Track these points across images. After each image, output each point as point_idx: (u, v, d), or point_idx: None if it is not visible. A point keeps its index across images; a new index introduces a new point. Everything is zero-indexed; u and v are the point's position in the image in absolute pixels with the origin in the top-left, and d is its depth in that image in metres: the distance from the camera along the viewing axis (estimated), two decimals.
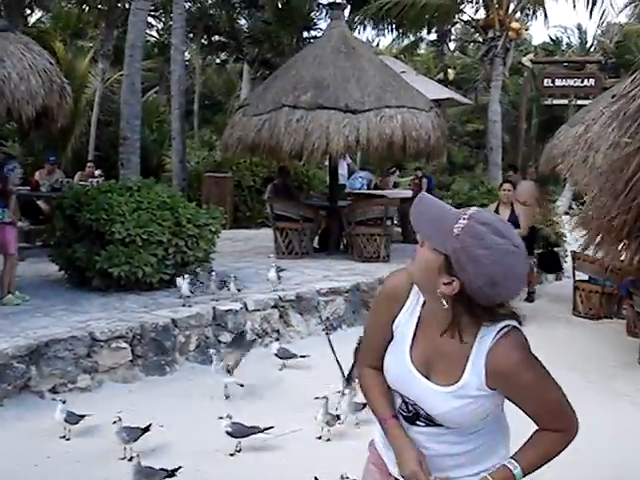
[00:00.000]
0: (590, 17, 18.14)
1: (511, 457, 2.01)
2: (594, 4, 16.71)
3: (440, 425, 2.04)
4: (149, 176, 10.64)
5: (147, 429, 4.87)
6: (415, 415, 2.08)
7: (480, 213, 1.87)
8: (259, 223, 15.34)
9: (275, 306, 8.03)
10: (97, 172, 14.11)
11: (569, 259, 11.67)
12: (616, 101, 2.79)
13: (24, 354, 5.86)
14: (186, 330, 7.07)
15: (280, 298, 8.10)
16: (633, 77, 2.68)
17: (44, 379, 5.97)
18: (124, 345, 6.53)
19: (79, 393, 6.09)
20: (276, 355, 7.00)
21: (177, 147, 14.02)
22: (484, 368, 1.91)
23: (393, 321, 2.10)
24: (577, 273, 10.62)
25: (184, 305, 7.39)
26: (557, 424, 2.00)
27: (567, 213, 21.55)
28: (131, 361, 6.59)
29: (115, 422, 4.72)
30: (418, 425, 2.08)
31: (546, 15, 17.05)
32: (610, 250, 4.56)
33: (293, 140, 10.37)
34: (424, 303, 2.04)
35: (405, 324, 2.08)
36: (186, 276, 7.58)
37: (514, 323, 1.93)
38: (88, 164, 14.77)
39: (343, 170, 17.23)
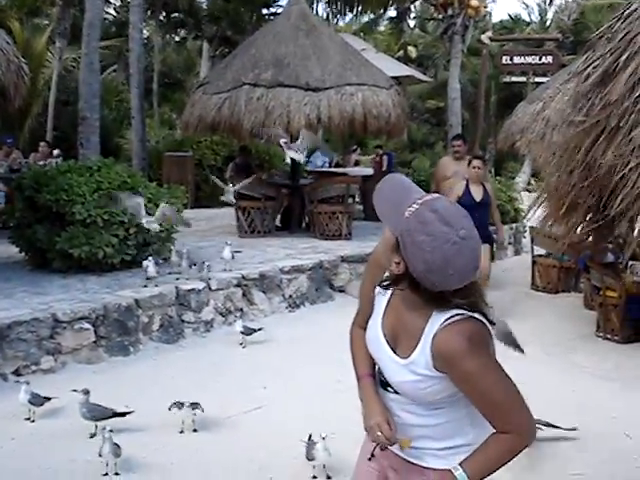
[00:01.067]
0: None
1: (460, 462, 2.00)
2: None
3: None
4: (109, 156, 10.54)
5: (120, 414, 4.88)
6: (387, 381, 2.15)
7: (434, 200, 1.90)
8: (221, 202, 15.28)
9: (238, 285, 8.04)
10: (55, 152, 13.92)
11: (527, 234, 11.87)
12: (570, 79, 2.86)
13: None
14: (149, 310, 7.07)
15: (243, 277, 8.12)
16: (586, 56, 2.76)
17: (7, 361, 5.93)
18: (87, 326, 6.50)
19: (43, 375, 6.06)
20: (242, 332, 7.04)
21: (137, 126, 13.91)
22: (429, 350, 1.95)
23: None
24: (535, 248, 10.80)
25: (146, 286, 7.36)
26: (507, 425, 1.96)
27: (526, 189, 21.89)
28: (94, 342, 6.56)
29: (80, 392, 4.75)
30: (388, 391, 2.15)
31: None
32: (566, 225, 4.65)
33: (254, 118, 10.37)
34: None
35: (382, 294, 2.17)
36: (150, 258, 7.56)
37: (469, 314, 1.94)
38: (41, 144, 14.57)
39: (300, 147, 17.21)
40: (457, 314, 1.93)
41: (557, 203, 3.94)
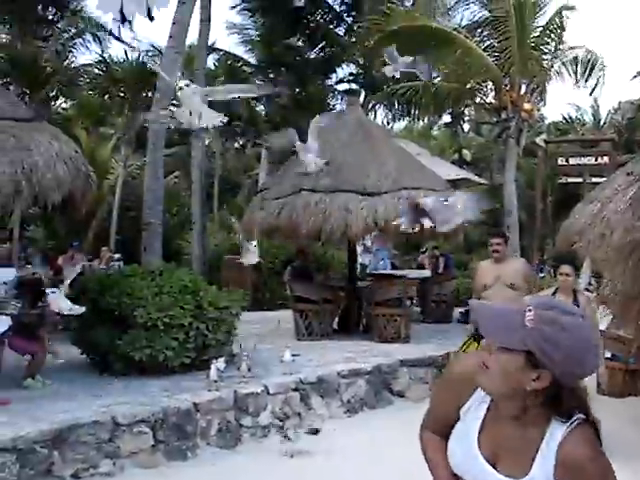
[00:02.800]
0: (590, 94, 18.55)
1: None
2: (587, 80, 16.91)
3: None
4: (170, 259, 10.81)
5: None
6: None
7: (540, 300, 1.92)
8: (279, 305, 15.40)
9: (296, 389, 8.01)
10: (116, 256, 14.33)
11: None
12: (631, 185, 2.88)
13: (47, 439, 5.88)
14: (207, 414, 7.07)
15: (301, 381, 8.09)
16: None
17: (66, 464, 5.97)
18: (146, 429, 6.53)
19: (101, 478, 6.08)
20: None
21: (198, 231, 14.26)
22: (554, 461, 1.87)
23: (460, 406, 2.08)
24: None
25: (210, 390, 7.37)
26: None
27: (587, 289, 21.46)
28: (153, 446, 6.57)
29: None
30: None
31: (543, 98, 17.15)
32: (631, 328, 4.56)
33: (312, 223, 10.54)
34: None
35: (474, 411, 2.05)
36: (218, 360, 7.62)
37: (582, 416, 1.90)
38: (103, 249, 15.03)
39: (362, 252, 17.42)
40: (577, 419, 1.89)
41: (621, 307, 3.89)
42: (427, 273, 15.10)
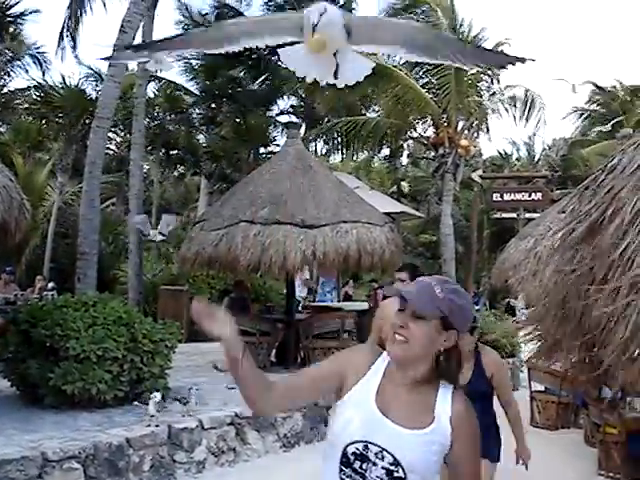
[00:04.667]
0: (535, 134, 19.02)
1: None
2: (527, 120, 17.42)
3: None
4: (105, 288, 10.63)
5: None
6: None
7: (435, 278, 2.34)
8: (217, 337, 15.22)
9: (231, 423, 7.92)
10: (50, 285, 14.03)
11: (525, 369, 11.80)
12: (558, 230, 2.98)
13: None
14: (140, 450, 6.93)
15: (237, 415, 8.01)
16: (572, 208, 2.88)
17: None
18: (76, 466, 6.35)
19: None
20: None
21: (134, 260, 14.06)
22: (450, 413, 2.23)
23: (342, 387, 2.36)
24: (533, 383, 10.72)
25: (149, 425, 7.23)
26: None
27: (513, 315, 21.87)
28: None
29: None
30: None
31: (489, 131, 17.64)
32: (562, 363, 4.65)
33: (250, 255, 10.49)
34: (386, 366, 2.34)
35: (366, 383, 2.31)
36: (156, 394, 7.48)
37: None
38: (37, 277, 14.70)
39: (299, 285, 17.45)
40: (454, 388, 2.31)
41: (550, 344, 3.98)
42: (364, 305, 15.17)
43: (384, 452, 2.17)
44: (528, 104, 17.14)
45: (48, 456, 6.19)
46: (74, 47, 16.29)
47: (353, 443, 2.21)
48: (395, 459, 2.15)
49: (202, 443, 7.55)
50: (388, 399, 2.24)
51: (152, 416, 7.29)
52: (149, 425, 7.20)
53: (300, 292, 17.27)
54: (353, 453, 2.21)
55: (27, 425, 7.17)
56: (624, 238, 2.34)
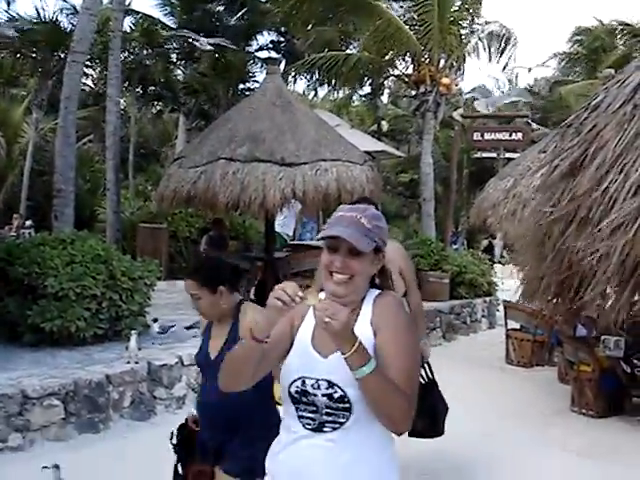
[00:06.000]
0: (503, 69, 18.77)
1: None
2: (501, 55, 17.26)
3: (345, 422, 2.23)
4: (83, 227, 10.53)
5: None
6: (321, 423, 2.27)
7: (352, 207, 2.43)
8: None
9: None
10: (28, 222, 13.90)
11: (501, 308, 11.95)
12: (538, 169, 2.95)
13: None
14: (120, 386, 6.97)
15: None
16: (554, 145, 2.85)
17: None
18: (57, 402, 6.39)
19: (10, 452, 5.93)
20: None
21: (111, 198, 13.90)
22: (371, 308, 2.31)
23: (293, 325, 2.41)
24: (509, 322, 10.86)
25: (129, 362, 7.24)
26: (407, 389, 2.18)
27: (499, 262, 22.08)
28: (64, 419, 6.45)
29: None
30: (324, 432, 2.26)
31: (461, 72, 17.46)
32: (538, 301, 4.70)
33: (229, 192, 10.41)
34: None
35: (305, 325, 2.38)
36: (134, 331, 7.47)
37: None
38: (14, 215, 14.54)
39: (290, 220, 17.43)
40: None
41: (530, 282, 4.00)
42: None
43: (318, 381, 2.25)
44: (502, 41, 16.99)
45: (28, 393, 6.22)
46: None
47: (293, 382, 2.32)
48: (329, 383, 2.23)
49: (182, 379, 7.61)
50: (321, 332, 2.20)
51: (135, 355, 7.29)
52: (128, 362, 7.22)
53: (285, 227, 17.27)
54: (296, 391, 2.31)
55: (6, 363, 7.17)
56: (606, 177, 2.32)
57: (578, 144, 2.55)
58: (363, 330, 2.23)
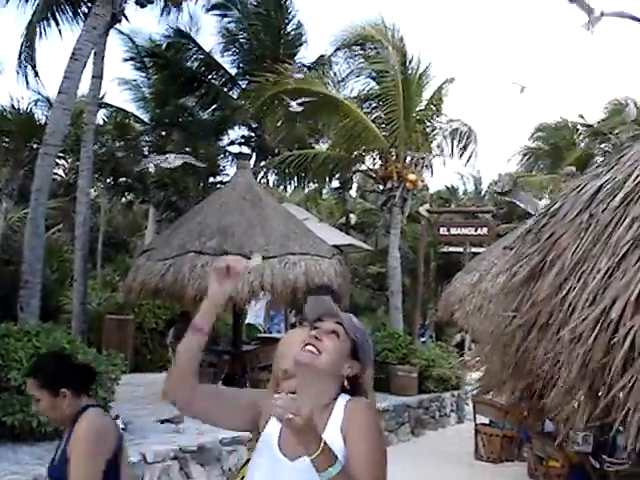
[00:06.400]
0: (465, 165, 19.42)
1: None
2: (464, 151, 17.82)
3: None
4: (49, 317, 10.45)
5: None
6: None
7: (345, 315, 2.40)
8: (161, 367, 15.06)
9: (175, 457, 7.81)
10: None
11: (470, 402, 11.92)
12: (499, 273, 3.05)
13: None
14: None
15: (180, 449, 7.91)
16: (515, 250, 2.96)
17: None
18: None
19: None
20: None
21: (78, 289, 13.80)
22: (342, 414, 2.26)
23: (256, 425, 2.39)
24: (478, 416, 10.82)
25: None
26: None
27: (468, 356, 22.06)
28: None
29: None
30: None
31: (432, 171, 17.98)
32: (506, 396, 4.72)
33: (198, 285, 10.44)
34: None
35: (272, 425, 2.32)
36: None
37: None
38: None
39: (261, 311, 17.39)
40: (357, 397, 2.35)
41: (492, 379, 4.04)
42: None
43: None
44: (465, 138, 17.56)
45: None
46: (26, 75, 16.03)
47: None
48: None
49: (145, 477, 7.43)
50: (288, 436, 2.19)
51: None
52: None
53: (259, 319, 17.25)
54: None
55: None
56: (565, 285, 2.41)
57: (537, 250, 2.66)
58: (333, 436, 2.22)
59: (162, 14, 16.79)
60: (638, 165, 2.57)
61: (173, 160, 15.32)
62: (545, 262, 2.56)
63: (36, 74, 16.07)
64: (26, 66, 15.76)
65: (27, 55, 15.56)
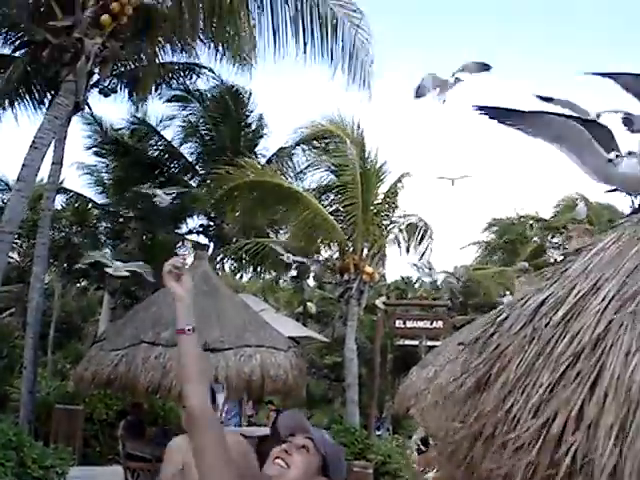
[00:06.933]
0: (420, 259, 19.82)
1: None
2: (419, 244, 18.18)
3: None
4: None
5: None
6: None
7: (318, 433, 2.40)
8: (110, 459, 14.65)
9: None
10: None
11: None
12: (450, 380, 3.11)
13: None
14: None
15: None
16: (464, 359, 3.01)
17: None
18: None
19: None
20: None
21: (28, 377, 13.47)
22: None
23: None
24: None
25: None
26: None
27: (419, 451, 21.82)
28: None
29: None
30: None
31: (383, 261, 18.27)
32: None
33: (150, 377, 10.32)
34: None
35: None
36: None
37: None
38: None
39: (220, 396, 17.08)
40: None
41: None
42: (266, 430, 14.90)
43: None
44: (421, 232, 17.92)
45: None
46: None
47: None
48: None
49: None
50: None
51: None
52: None
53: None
54: None
55: None
56: (509, 397, 2.46)
57: (483, 362, 2.71)
58: None
59: (128, 103, 17.11)
60: (579, 281, 2.66)
61: (121, 269, 15.48)
62: (490, 374, 2.62)
63: None
64: None
65: None
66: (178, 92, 19.88)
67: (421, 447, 11.89)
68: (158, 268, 11.46)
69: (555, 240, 29.75)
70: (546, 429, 2.28)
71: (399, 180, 17.28)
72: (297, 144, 18.35)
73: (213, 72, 18.38)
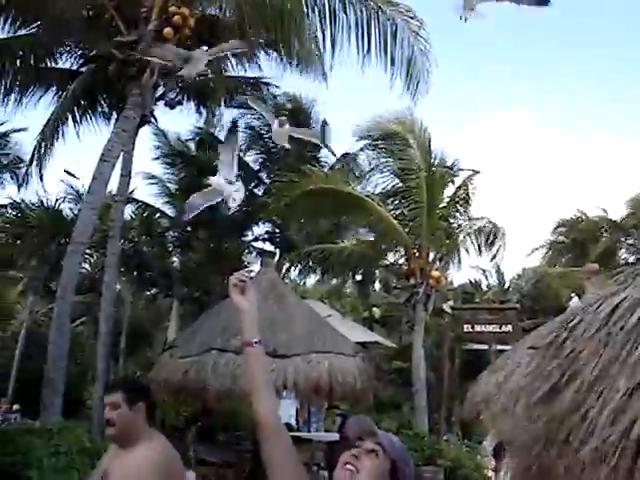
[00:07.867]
0: (491, 261, 19.50)
1: None
2: (489, 248, 17.94)
3: None
4: (70, 410, 10.40)
5: None
6: None
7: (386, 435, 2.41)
8: (184, 463, 14.81)
9: None
10: (15, 407, 13.70)
11: None
12: (522, 387, 3.06)
13: None
14: None
15: None
16: (536, 364, 2.96)
17: None
18: None
19: None
20: None
21: (101, 387, 13.78)
22: None
23: None
24: None
25: None
26: None
27: (495, 456, 21.50)
28: None
29: None
30: None
31: (460, 262, 18.13)
32: None
33: (220, 383, 10.42)
34: None
35: None
36: None
37: None
38: (2, 399, 14.40)
39: (292, 410, 17.23)
40: None
41: None
42: (335, 436, 14.90)
43: None
44: (491, 235, 17.67)
45: None
46: (41, 176, 16.24)
47: None
48: None
49: None
50: None
51: None
52: None
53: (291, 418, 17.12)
54: None
55: None
56: (584, 402, 2.42)
57: (557, 367, 2.67)
58: None
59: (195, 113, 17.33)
60: None
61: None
62: (564, 379, 2.57)
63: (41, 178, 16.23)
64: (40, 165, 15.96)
65: (43, 154, 15.79)
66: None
67: (496, 452, 11.71)
68: (225, 276, 11.54)
69: (629, 241, 29.02)
70: (624, 438, 2.23)
71: (466, 183, 17.11)
72: (361, 148, 18.23)
73: (278, 87, 18.37)
